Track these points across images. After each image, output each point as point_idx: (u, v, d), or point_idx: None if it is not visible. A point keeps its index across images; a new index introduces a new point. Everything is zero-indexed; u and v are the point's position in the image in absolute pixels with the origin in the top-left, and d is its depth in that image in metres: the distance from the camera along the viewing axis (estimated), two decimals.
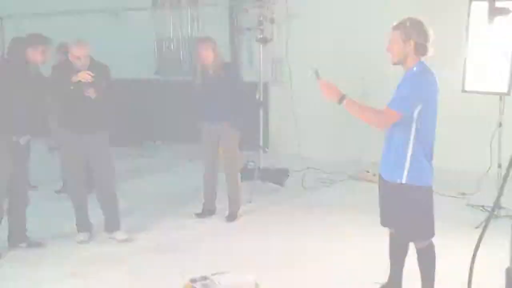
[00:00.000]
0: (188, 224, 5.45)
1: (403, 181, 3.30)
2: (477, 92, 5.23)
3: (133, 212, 5.68)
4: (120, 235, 4.92)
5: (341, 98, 3.33)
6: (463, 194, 6.05)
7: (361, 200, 6.01)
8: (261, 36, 6.41)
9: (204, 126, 5.41)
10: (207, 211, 5.60)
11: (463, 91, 5.27)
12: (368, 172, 6.88)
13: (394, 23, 3.35)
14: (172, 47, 8.99)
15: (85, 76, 4.43)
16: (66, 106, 4.72)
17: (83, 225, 4.97)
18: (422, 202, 3.35)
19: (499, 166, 5.31)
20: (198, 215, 5.56)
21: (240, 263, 4.44)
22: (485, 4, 5.05)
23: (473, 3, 5.13)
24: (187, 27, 8.83)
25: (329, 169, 7.26)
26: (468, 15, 5.21)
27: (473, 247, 4.59)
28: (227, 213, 5.53)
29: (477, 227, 5.02)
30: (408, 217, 3.38)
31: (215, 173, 5.52)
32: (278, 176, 6.49)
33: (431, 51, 3.26)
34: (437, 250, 3.52)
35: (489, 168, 5.85)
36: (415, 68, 3.27)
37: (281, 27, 8.02)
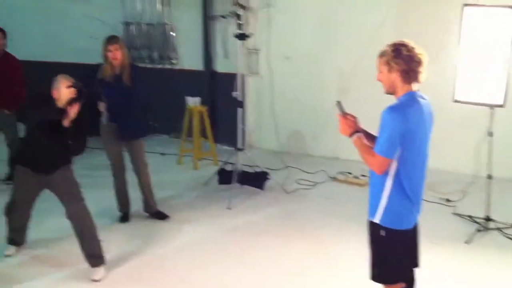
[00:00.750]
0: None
1: (376, 221, 3.07)
2: (468, 103, 5.01)
3: None
4: (98, 273, 4.30)
5: (352, 134, 3.09)
6: (448, 200, 5.89)
7: (343, 206, 5.87)
8: (240, 31, 5.99)
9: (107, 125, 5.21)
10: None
11: (454, 100, 5.05)
12: (349, 173, 6.69)
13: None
14: (140, 33, 8.53)
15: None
16: (32, 142, 4.31)
17: (16, 240, 4.68)
18: (394, 246, 3.09)
19: (489, 177, 5.16)
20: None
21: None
22: (479, 10, 4.83)
23: (466, 8, 4.87)
24: (157, 12, 8.36)
25: (309, 167, 7.06)
26: (461, 20, 4.96)
27: (464, 265, 4.55)
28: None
29: (466, 242, 4.90)
30: (376, 258, 3.17)
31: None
32: (257, 180, 6.21)
33: (423, 76, 2.93)
34: (423, 269, 3.32)
35: (476, 175, 5.80)
36: (397, 101, 2.97)
37: (257, 15, 7.68)
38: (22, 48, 9.19)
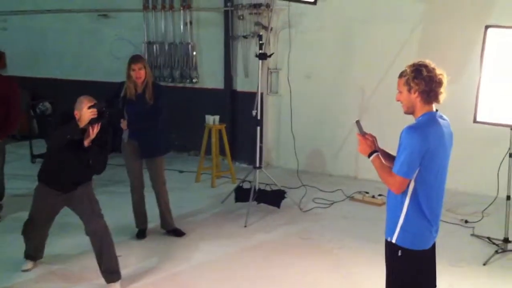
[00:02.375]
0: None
1: (393, 240, 3.05)
2: (489, 124, 4.98)
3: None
4: None
5: (370, 154, 3.09)
6: (466, 221, 5.81)
7: (359, 225, 5.84)
8: (261, 51, 6.06)
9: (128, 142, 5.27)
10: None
11: (475, 121, 5.02)
12: (367, 193, 6.66)
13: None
14: (162, 52, 8.67)
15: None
16: (54, 161, 4.38)
17: (33, 255, 4.74)
18: (411, 266, 3.06)
19: (508, 198, 5.09)
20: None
21: None
22: (501, 31, 4.81)
23: (489, 29, 4.86)
24: (180, 32, 8.49)
25: (326, 186, 7.05)
26: (483, 42, 4.94)
27: (482, 287, 4.48)
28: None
29: (484, 264, 4.83)
30: (393, 278, 3.14)
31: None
32: (274, 198, 6.20)
33: (443, 96, 2.93)
34: None
35: (496, 196, 5.72)
36: (416, 121, 2.98)
37: (278, 35, 7.75)
38: (54, 67, 9.51)
